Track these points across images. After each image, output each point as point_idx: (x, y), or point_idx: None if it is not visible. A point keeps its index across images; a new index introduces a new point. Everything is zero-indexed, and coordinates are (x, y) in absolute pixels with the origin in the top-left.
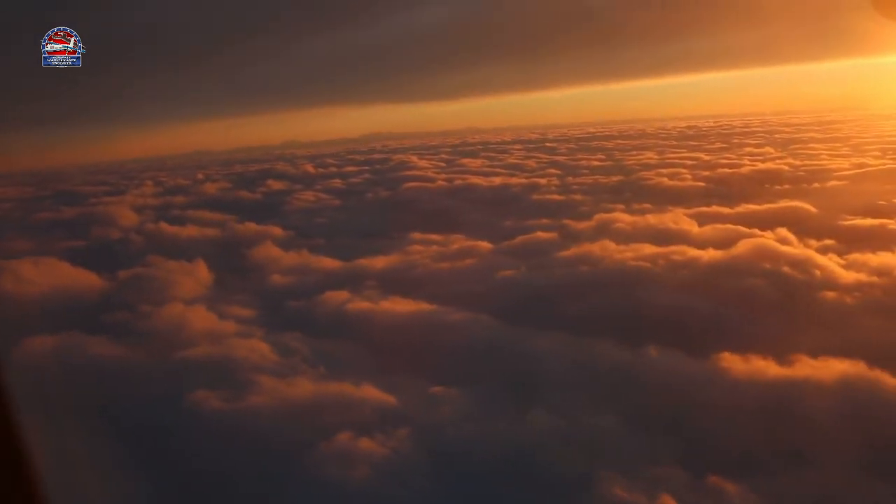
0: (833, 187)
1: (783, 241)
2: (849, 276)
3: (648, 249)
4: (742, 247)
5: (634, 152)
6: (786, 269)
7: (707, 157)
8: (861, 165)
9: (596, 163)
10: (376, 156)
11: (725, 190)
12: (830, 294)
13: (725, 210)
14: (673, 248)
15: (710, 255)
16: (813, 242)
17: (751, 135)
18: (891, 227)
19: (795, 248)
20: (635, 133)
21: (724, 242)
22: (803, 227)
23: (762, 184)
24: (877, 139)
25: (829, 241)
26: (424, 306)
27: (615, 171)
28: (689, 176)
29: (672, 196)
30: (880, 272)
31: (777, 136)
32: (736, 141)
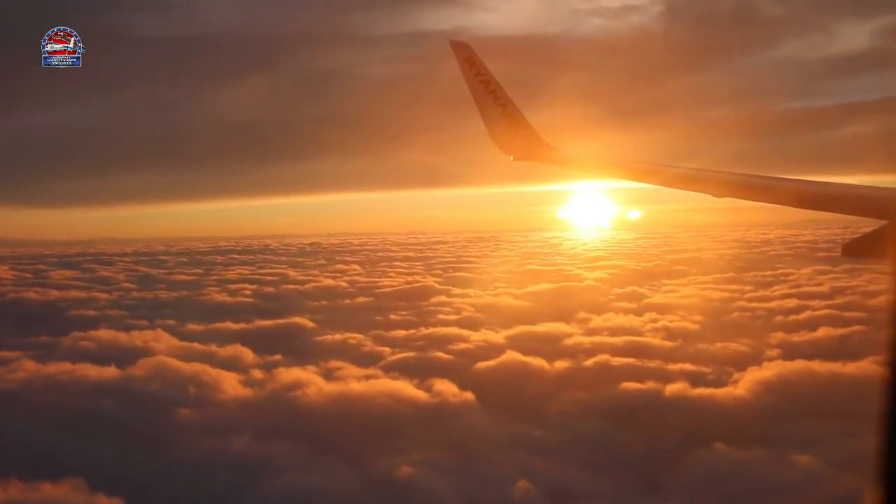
0: (357, 303)
1: (236, 357)
2: (242, 392)
3: (63, 367)
4: (140, 366)
5: (235, 267)
6: (154, 386)
7: (292, 274)
8: (411, 283)
9: (184, 277)
10: None
11: (265, 306)
12: (184, 411)
13: (237, 326)
14: (86, 365)
15: (101, 372)
16: (272, 357)
17: (356, 253)
18: (351, 341)
19: (203, 366)
20: (259, 248)
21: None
22: (283, 344)
23: (310, 299)
24: (455, 259)
25: (278, 357)
26: None
27: (191, 286)
28: (249, 292)
29: (207, 312)
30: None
31: (378, 254)
32: (338, 258)
